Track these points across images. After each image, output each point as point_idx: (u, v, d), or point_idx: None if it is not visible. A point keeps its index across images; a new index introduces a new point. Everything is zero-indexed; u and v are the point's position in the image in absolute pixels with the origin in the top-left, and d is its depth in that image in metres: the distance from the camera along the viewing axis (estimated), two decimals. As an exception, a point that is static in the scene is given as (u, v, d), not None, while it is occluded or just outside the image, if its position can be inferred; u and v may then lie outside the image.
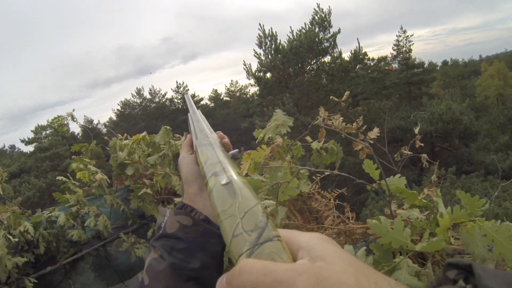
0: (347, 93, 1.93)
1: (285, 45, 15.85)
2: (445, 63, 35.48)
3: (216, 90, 39.09)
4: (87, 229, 2.55)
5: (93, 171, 2.46)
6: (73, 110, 2.69)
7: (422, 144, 2.12)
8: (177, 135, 2.29)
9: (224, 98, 39.46)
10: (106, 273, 2.93)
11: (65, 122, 2.66)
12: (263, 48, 16.49)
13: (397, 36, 28.54)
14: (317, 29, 15.73)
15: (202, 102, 36.00)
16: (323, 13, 16.21)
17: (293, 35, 16.23)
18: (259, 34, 16.59)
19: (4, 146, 33.55)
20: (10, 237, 1.87)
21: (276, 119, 1.49)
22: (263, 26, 16.64)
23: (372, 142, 1.95)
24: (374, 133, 1.90)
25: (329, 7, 16.48)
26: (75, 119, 2.68)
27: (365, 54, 19.03)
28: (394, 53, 29.21)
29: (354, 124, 1.89)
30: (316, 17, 15.93)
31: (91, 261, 2.86)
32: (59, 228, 2.30)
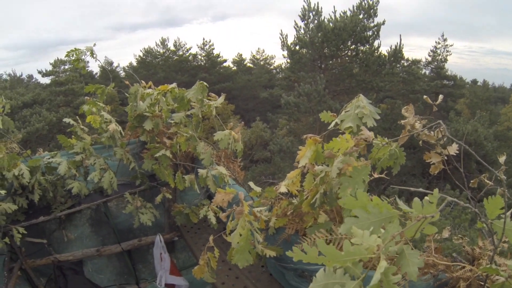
0: (441, 96, 1.63)
1: (328, 24, 14.88)
2: (474, 82, 33.87)
3: (241, 55, 37.90)
4: (89, 181, 2.27)
5: (107, 119, 2.13)
6: (94, 45, 2.32)
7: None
8: (213, 95, 1.93)
9: (248, 64, 38.24)
10: (103, 230, 2.70)
11: (83, 57, 2.30)
12: (305, 21, 15.58)
13: (436, 42, 27.11)
14: (361, 15, 14.77)
15: (225, 64, 35.31)
16: (371, 0, 15.14)
17: (335, 15, 15.30)
18: (303, 6, 15.67)
19: (22, 75, 33.78)
20: None
21: (360, 106, 1.12)
22: (309, -2, 15.63)
23: (446, 158, 1.70)
24: (453, 149, 1.67)
25: (379, -5, 15.41)
26: (94, 56, 2.32)
27: (401, 53, 18.16)
28: (429, 58, 27.83)
29: (435, 133, 1.58)
30: (363, 3, 14.91)
31: (88, 215, 2.63)
32: (59, 176, 2.01)
